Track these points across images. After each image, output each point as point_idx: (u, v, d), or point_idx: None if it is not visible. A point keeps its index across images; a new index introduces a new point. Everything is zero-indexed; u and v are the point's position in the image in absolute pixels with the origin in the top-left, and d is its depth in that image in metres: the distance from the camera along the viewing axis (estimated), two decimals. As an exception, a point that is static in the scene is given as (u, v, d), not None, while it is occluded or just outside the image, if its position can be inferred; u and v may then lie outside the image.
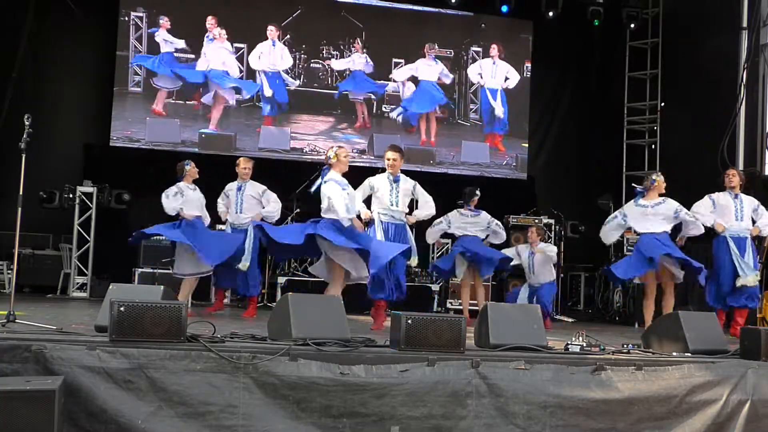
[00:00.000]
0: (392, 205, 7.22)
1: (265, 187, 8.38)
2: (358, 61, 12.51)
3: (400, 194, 7.28)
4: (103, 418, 4.22)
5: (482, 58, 13.02)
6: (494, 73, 13.00)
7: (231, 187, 8.37)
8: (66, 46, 11.80)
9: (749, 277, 7.76)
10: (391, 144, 7.86)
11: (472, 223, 8.77)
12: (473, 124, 12.97)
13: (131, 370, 4.30)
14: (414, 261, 7.49)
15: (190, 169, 8.02)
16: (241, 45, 12.11)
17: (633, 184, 8.36)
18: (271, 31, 12.11)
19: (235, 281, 8.30)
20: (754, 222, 8.04)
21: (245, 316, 8.08)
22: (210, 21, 11.95)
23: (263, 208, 8.32)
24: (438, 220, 8.67)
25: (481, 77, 12.94)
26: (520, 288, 9.25)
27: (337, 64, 12.49)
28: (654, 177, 7.96)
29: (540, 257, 9.02)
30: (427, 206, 7.55)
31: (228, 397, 4.39)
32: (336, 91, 12.43)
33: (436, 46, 12.77)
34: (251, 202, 8.27)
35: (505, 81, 13.03)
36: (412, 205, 7.69)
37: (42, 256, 10.89)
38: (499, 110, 12.88)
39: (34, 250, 10.82)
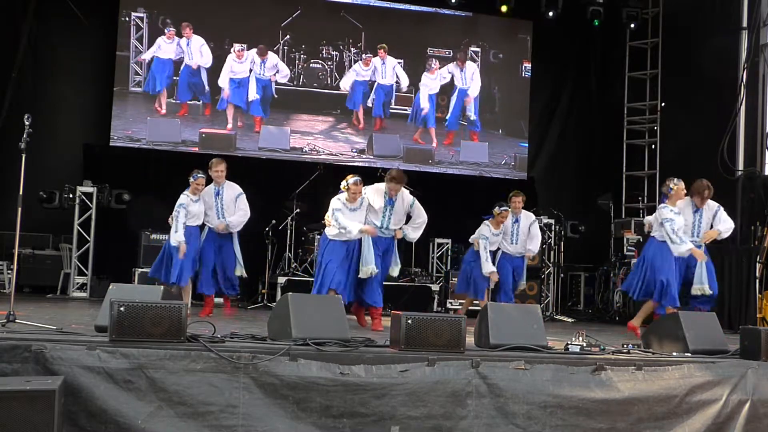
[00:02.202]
0: (383, 226, 7.34)
1: (240, 191, 8.16)
2: (364, 72, 12.55)
3: (393, 216, 7.39)
4: (103, 418, 4.22)
5: (480, 58, 13.01)
6: (464, 80, 12.89)
7: (208, 192, 8.04)
8: (66, 46, 11.79)
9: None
10: (398, 169, 7.73)
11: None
12: (469, 124, 12.94)
13: (131, 370, 4.30)
14: (395, 272, 7.67)
15: (192, 183, 7.85)
16: (240, 45, 12.11)
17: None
18: (261, 49, 12.12)
19: (217, 285, 8.22)
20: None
21: (227, 313, 8.25)
22: (193, 28, 11.96)
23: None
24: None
25: (452, 80, 12.90)
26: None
27: (345, 82, 12.51)
28: (671, 184, 7.65)
29: (525, 223, 8.82)
30: (418, 226, 7.55)
31: (228, 397, 4.39)
32: (338, 91, 12.45)
33: (437, 62, 12.78)
34: (231, 207, 8.10)
35: (471, 81, 12.95)
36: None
37: (42, 256, 10.89)
38: (471, 112, 12.87)
39: (34, 250, 10.82)
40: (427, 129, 12.67)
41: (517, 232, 8.79)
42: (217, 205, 8.04)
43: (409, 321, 4.83)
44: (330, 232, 7.31)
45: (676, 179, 7.65)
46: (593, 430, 4.86)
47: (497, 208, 8.60)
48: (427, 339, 4.82)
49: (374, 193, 7.38)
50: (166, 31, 11.86)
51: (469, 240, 8.77)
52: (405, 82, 12.62)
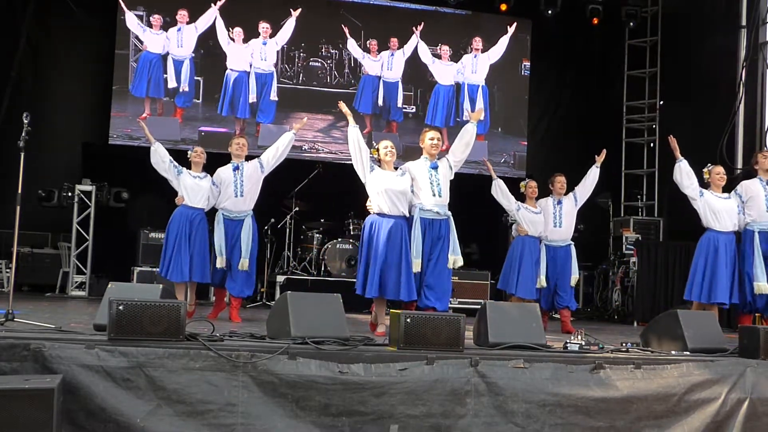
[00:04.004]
0: (434, 195, 6.31)
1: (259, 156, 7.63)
2: (373, 66, 12.54)
3: (442, 180, 6.37)
4: (102, 417, 4.22)
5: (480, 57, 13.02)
6: (475, 68, 12.87)
7: (224, 170, 7.49)
8: (65, 45, 11.80)
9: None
10: (428, 126, 7.09)
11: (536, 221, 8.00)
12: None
13: (130, 369, 4.30)
14: (456, 262, 6.38)
15: (191, 155, 7.48)
16: (238, 28, 12.07)
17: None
18: (264, 28, 12.08)
19: (224, 279, 7.49)
20: None
21: (233, 320, 7.33)
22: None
23: (258, 192, 7.52)
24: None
25: (462, 74, 12.83)
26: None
27: (370, 66, 12.49)
28: (703, 170, 7.50)
29: (568, 205, 8.00)
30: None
31: (227, 395, 4.39)
32: (337, 89, 12.44)
33: (447, 47, 12.77)
34: (251, 184, 7.44)
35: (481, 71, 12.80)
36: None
37: (41, 254, 10.89)
38: (480, 105, 12.48)
39: (32, 248, 10.82)
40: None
41: (560, 214, 7.96)
42: (236, 181, 7.36)
43: (408, 320, 4.83)
44: (375, 207, 6.36)
45: (709, 165, 7.57)
46: (592, 429, 4.86)
47: (522, 183, 8.18)
48: (425, 338, 4.81)
49: (413, 165, 6.49)
50: (152, 20, 11.82)
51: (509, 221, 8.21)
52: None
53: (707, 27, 11.45)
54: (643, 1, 12.95)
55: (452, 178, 6.55)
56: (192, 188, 7.38)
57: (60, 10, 11.46)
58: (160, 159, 7.41)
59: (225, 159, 7.66)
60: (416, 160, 6.55)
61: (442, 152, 6.60)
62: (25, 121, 5.26)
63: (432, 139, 6.46)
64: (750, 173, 7.67)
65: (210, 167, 7.67)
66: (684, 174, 7.37)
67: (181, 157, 7.68)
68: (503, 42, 12.77)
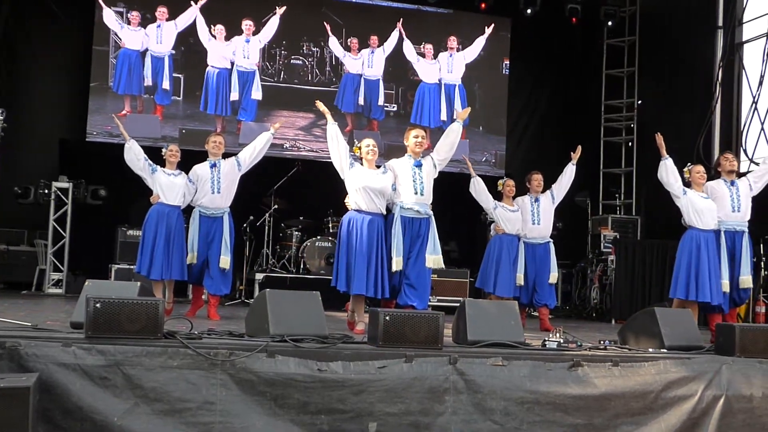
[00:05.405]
0: (416, 193, 6.27)
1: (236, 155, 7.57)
2: (354, 64, 12.52)
3: (425, 179, 6.33)
4: (79, 416, 4.18)
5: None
6: (450, 67, 12.88)
7: (201, 167, 7.44)
8: (44, 41, 11.69)
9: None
10: (411, 124, 7.11)
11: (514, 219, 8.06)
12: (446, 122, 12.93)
13: (107, 367, 4.27)
14: (436, 262, 6.30)
15: (166, 153, 7.41)
16: (220, 26, 12.05)
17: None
18: (248, 26, 12.04)
19: (202, 277, 7.47)
20: None
21: (211, 318, 7.25)
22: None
23: (235, 189, 7.48)
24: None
25: (439, 71, 12.86)
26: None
27: (351, 64, 12.47)
28: (684, 170, 7.37)
29: (545, 203, 8.06)
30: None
31: (205, 393, 4.37)
32: (318, 87, 12.42)
33: (431, 46, 12.78)
34: (228, 181, 7.41)
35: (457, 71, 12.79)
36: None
37: (17, 251, 10.80)
38: (457, 105, 12.48)
39: (8, 245, 10.74)
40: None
41: (538, 212, 8.02)
42: (213, 178, 7.34)
43: (387, 317, 4.82)
44: (352, 204, 6.33)
45: (689, 164, 7.49)
46: (570, 426, 4.89)
47: (500, 181, 8.25)
48: (404, 335, 4.81)
49: (396, 162, 6.45)
50: (129, 17, 11.74)
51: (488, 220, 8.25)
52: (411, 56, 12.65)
53: (685, 27, 11.56)
54: (622, 1, 13.05)
55: (436, 176, 6.53)
56: (167, 185, 7.34)
57: (38, 6, 11.35)
58: (135, 156, 7.35)
59: (205, 157, 7.62)
60: (400, 158, 6.53)
61: (426, 150, 6.59)
62: (1, 118, 5.22)
63: (416, 137, 6.41)
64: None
65: (190, 165, 7.59)
66: (670, 172, 7.38)
67: (159, 155, 7.62)
68: (479, 42, 12.81)
